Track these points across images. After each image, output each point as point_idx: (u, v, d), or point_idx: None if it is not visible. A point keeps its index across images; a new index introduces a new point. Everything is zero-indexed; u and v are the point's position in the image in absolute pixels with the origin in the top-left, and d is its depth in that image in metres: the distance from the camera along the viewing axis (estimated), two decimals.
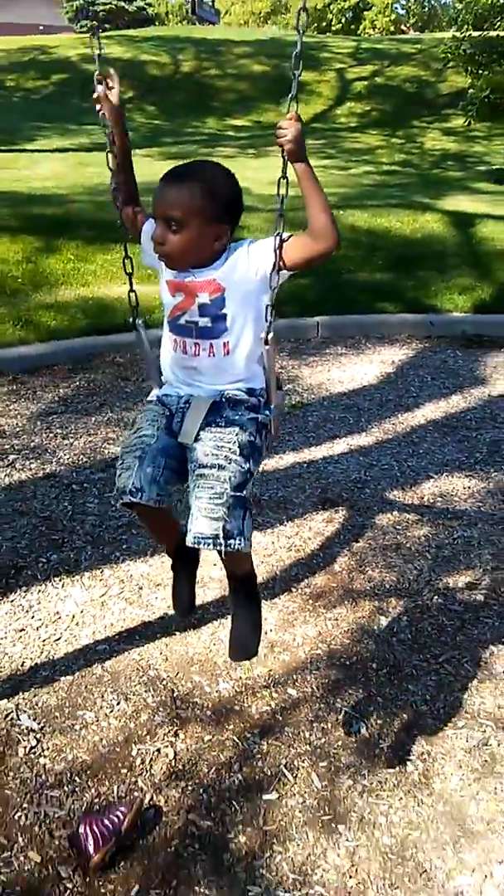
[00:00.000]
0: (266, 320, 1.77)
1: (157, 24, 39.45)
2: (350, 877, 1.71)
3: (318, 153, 13.86)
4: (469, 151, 14.64)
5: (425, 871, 1.73)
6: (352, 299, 6.20)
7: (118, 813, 1.75)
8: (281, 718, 2.16)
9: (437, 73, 18.25)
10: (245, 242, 1.82)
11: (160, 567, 2.85)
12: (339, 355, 5.38)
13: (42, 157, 12.16)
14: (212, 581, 2.77)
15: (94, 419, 4.11)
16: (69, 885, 1.68)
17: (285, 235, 1.73)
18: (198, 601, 2.65)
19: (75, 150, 12.91)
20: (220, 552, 1.78)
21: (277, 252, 1.72)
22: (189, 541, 1.73)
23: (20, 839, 1.78)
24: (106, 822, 1.72)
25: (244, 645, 1.97)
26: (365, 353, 5.43)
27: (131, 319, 1.99)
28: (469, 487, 3.54)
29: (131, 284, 1.94)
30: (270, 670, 2.34)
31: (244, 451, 1.77)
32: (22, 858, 1.73)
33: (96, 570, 2.82)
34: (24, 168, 10.96)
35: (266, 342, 1.78)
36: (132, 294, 1.96)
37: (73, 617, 2.57)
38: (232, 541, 1.70)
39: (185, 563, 2.12)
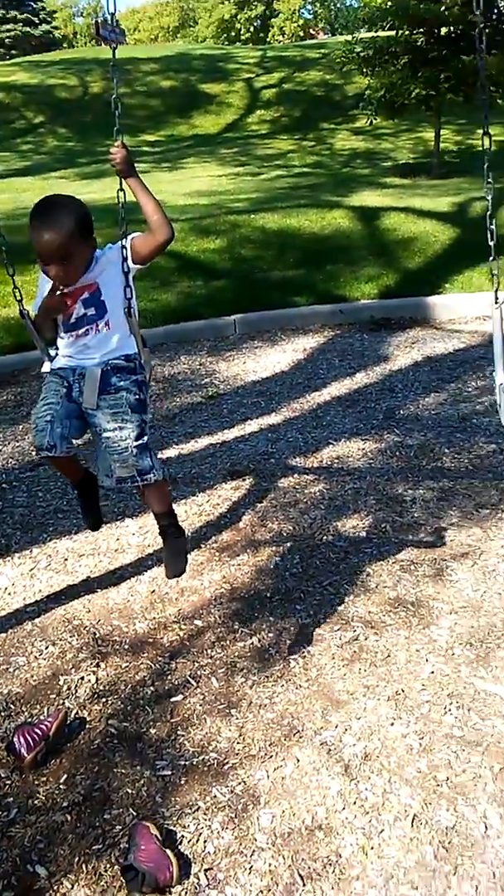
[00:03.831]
0: (126, 297, 2.23)
1: (65, 46, 39.74)
2: (238, 743, 2.10)
3: (232, 161, 14.31)
4: (377, 149, 15.28)
5: (298, 731, 2.13)
6: (266, 296, 6.61)
7: (46, 723, 2.11)
8: (188, 643, 2.54)
9: (342, 75, 18.84)
10: (106, 248, 2.28)
11: (83, 542, 3.20)
12: (255, 348, 5.78)
13: None
14: (130, 547, 3.14)
15: (21, 427, 4.43)
16: (8, 782, 2.04)
17: (132, 235, 2.19)
18: (117, 563, 3.03)
19: None
20: (141, 489, 2.29)
21: (126, 248, 2.19)
22: (112, 484, 2.26)
23: None
24: (36, 730, 2.08)
25: (176, 565, 2.46)
26: (279, 344, 5.84)
27: (19, 310, 2.39)
28: (363, 448, 3.98)
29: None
30: (180, 609, 2.72)
31: (135, 408, 2.25)
32: None
33: (25, 551, 3.16)
34: None
35: (129, 315, 2.25)
36: (16, 290, 2.38)
37: (6, 588, 2.91)
38: (147, 475, 2.25)
39: (88, 491, 2.61)
